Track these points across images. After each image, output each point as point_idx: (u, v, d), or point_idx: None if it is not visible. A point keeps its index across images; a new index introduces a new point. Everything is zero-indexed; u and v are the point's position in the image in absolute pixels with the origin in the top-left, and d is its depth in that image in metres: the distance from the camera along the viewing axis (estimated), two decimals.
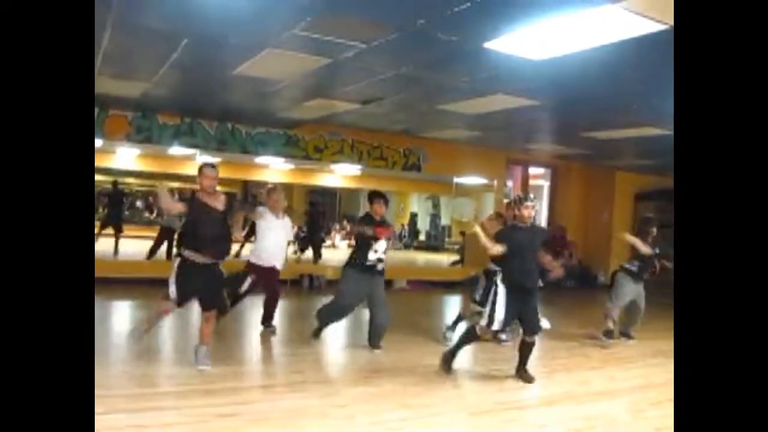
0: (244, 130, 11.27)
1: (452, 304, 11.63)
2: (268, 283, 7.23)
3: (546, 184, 16.65)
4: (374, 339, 6.82)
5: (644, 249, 7.69)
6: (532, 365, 6.69)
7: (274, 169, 13.79)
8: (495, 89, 7.25)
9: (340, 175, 15.55)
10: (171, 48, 6.23)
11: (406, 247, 19.70)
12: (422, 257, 19.03)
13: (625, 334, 8.21)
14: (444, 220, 20.22)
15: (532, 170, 15.82)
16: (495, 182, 14.31)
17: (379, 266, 6.72)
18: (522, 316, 5.92)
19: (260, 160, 12.52)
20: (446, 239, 19.76)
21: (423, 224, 21.27)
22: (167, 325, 6.96)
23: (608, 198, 15.58)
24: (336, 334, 8.28)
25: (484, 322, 5.89)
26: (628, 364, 6.96)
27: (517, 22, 4.75)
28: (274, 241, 7.15)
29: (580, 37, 4.95)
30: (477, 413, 5.01)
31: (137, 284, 9.74)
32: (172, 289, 5.43)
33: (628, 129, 9.31)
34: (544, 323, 6.60)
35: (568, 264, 15.02)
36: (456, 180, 14.37)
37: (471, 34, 5.12)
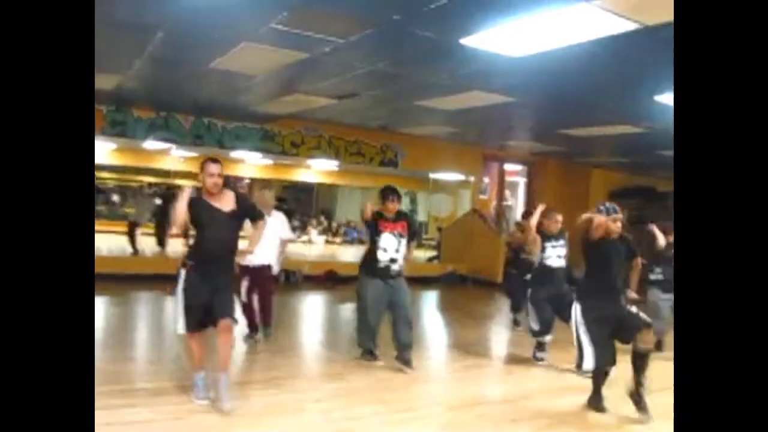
0: (221, 124, 11.18)
1: (429, 300, 11.66)
2: (261, 283, 6.72)
3: (522, 181, 16.75)
4: (400, 357, 5.97)
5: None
6: (506, 359, 6.75)
7: (250, 164, 13.75)
8: (472, 86, 7.27)
9: (317, 170, 15.54)
10: (146, 40, 6.17)
11: None
12: None
13: None
14: (421, 216, 20.24)
15: (509, 167, 15.90)
16: (471, 178, 14.38)
17: (394, 268, 5.90)
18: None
19: (236, 155, 12.47)
20: (423, 235, 19.80)
21: None
22: (142, 320, 6.91)
23: (584, 195, 15.70)
24: (312, 329, 8.29)
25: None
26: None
27: (493, 18, 4.77)
28: (263, 240, 6.74)
29: (556, 35, 4.99)
30: (452, 408, 5.03)
31: (110, 280, 9.64)
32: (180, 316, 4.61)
33: (603, 127, 9.40)
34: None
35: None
36: (433, 176, 14.41)
37: (447, 30, 5.14)
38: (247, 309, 6.68)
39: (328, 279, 12.05)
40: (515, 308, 8.53)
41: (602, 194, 15.74)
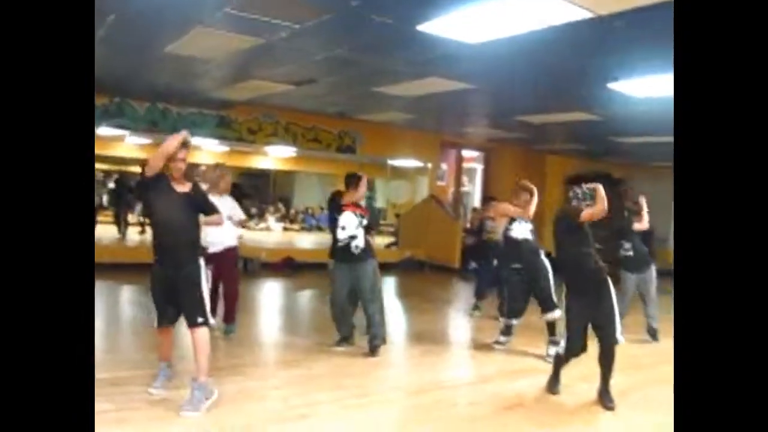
0: (176, 110, 11.00)
1: (387, 286, 11.70)
2: (226, 269, 6.53)
3: (480, 168, 16.88)
4: (370, 345, 6.02)
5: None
6: (466, 344, 6.84)
7: (207, 151, 13.59)
8: (429, 72, 7.29)
9: (275, 157, 15.43)
10: (97, 24, 6.02)
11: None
12: None
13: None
14: (380, 203, 20.28)
15: (466, 153, 16.01)
16: (429, 165, 14.44)
17: (355, 246, 5.88)
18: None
19: (192, 141, 12.27)
20: (381, 221, 19.86)
21: None
22: (98, 311, 6.79)
23: (540, 181, 15.89)
24: (271, 317, 8.27)
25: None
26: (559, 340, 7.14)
27: (450, 5, 4.79)
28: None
29: (512, 22, 5.04)
30: (412, 393, 5.09)
31: None
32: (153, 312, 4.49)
33: (559, 114, 9.53)
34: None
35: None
36: (391, 162, 14.43)
37: (405, 16, 5.14)
38: (212, 297, 6.54)
39: (286, 266, 12.02)
40: (479, 294, 8.63)
41: (558, 180, 15.98)
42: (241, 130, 11.74)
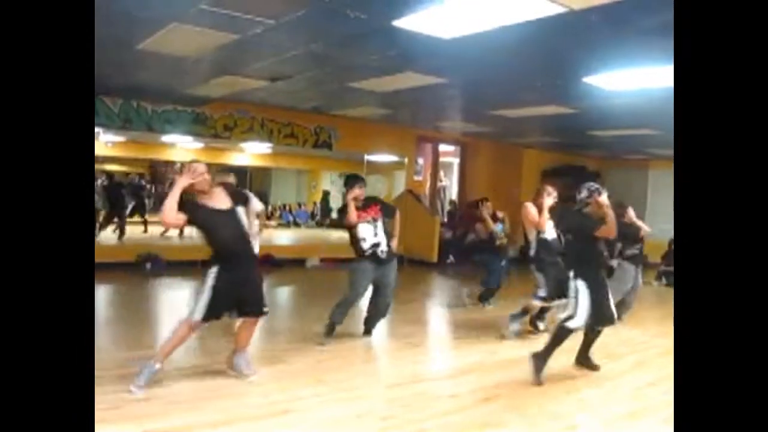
0: (150, 107, 10.88)
1: None
2: None
3: (456, 162, 16.95)
4: (368, 326, 6.60)
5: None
6: (444, 337, 6.89)
7: (182, 148, 13.46)
8: (404, 67, 7.30)
9: (251, 153, 15.34)
10: None
11: (319, 225, 19.64)
12: (335, 235, 19.01)
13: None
14: None
15: (443, 148, 16.06)
16: (406, 160, 14.46)
17: (381, 251, 6.19)
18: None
19: (167, 138, 12.18)
20: None
21: (336, 202, 21.23)
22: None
23: (516, 175, 16.01)
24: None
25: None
26: (535, 334, 7.22)
27: (425, 0, 4.80)
28: None
29: (487, 17, 5.06)
30: (391, 386, 5.11)
31: None
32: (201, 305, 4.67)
33: (534, 107, 9.58)
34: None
35: (478, 238, 15.41)
36: (367, 158, 14.43)
37: (379, 11, 5.14)
38: None
39: (265, 263, 11.97)
40: (490, 288, 8.75)
41: (534, 174, 16.12)
42: (217, 126, 11.65)
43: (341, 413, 4.39)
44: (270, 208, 22.31)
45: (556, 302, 6.67)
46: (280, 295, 9.84)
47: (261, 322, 5.17)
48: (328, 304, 6.48)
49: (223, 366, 5.21)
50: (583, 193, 5.46)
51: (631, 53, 6.00)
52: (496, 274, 8.61)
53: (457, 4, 4.77)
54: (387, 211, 6.47)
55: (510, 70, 7.16)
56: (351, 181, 6.30)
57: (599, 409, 4.77)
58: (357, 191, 6.22)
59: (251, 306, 4.95)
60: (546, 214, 6.68)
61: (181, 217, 4.49)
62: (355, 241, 6.21)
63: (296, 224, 19.65)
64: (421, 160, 15.53)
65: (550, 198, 6.75)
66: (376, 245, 6.17)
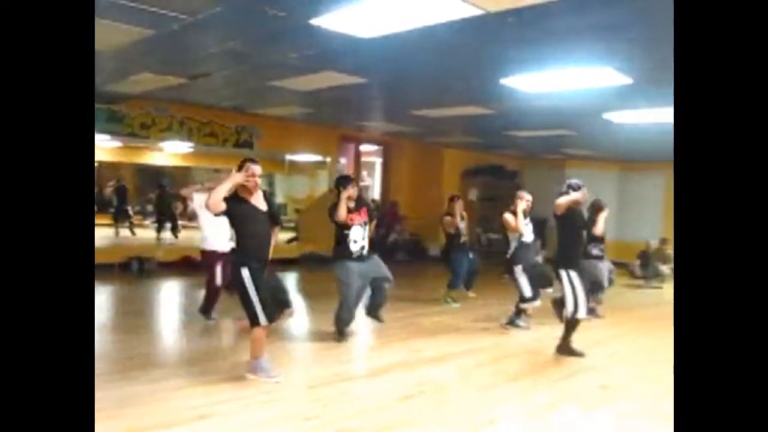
0: None
1: (289, 282, 11.63)
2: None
3: (378, 161, 17.04)
4: (376, 316, 6.89)
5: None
6: (367, 337, 6.92)
7: (97, 147, 13.03)
8: (324, 66, 7.28)
9: (170, 153, 14.99)
10: None
11: None
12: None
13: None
14: (279, 198, 20.07)
15: (365, 147, 16.11)
16: (328, 159, 14.44)
17: (365, 250, 6.53)
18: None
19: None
20: (282, 217, 19.64)
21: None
22: None
23: (437, 174, 16.22)
24: (172, 315, 8.08)
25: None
26: (457, 331, 7.34)
27: None
28: (215, 222, 6.40)
29: (405, 18, 5.10)
30: (313, 386, 5.09)
31: None
32: (259, 310, 4.97)
33: (454, 108, 9.72)
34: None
35: (400, 237, 15.54)
36: (289, 157, 14.34)
37: (298, 9, 5.10)
38: (217, 293, 7.14)
39: (185, 265, 11.71)
40: (455, 285, 9.26)
41: (455, 173, 16.38)
42: (134, 124, 11.32)
43: (262, 416, 4.34)
44: (190, 208, 21.84)
45: (538, 300, 7.42)
46: (200, 297, 9.65)
47: (180, 320, 5.06)
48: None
49: (144, 369, 5.08)
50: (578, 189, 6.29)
51: (546, 56, 6.16)
52: (459, 274, 9.18)
53: (375, 3, 4.79)
54: (372, 214, 6.83)
55: (429, 70, 7.23)
56: (344, 181, 6.55)
57: (519, 403, 4.89)
58: (351, 191, 6.45)
59: (288, 302, 5.53)
60: (521, 218, 7.27)
61: (223, 206, 4.86)
62: (343, 241, 6.42)
63: None
64: (343, 160, 15.53)
65: (522, 202, 7.35)
66: (362, 247, 6.47)
